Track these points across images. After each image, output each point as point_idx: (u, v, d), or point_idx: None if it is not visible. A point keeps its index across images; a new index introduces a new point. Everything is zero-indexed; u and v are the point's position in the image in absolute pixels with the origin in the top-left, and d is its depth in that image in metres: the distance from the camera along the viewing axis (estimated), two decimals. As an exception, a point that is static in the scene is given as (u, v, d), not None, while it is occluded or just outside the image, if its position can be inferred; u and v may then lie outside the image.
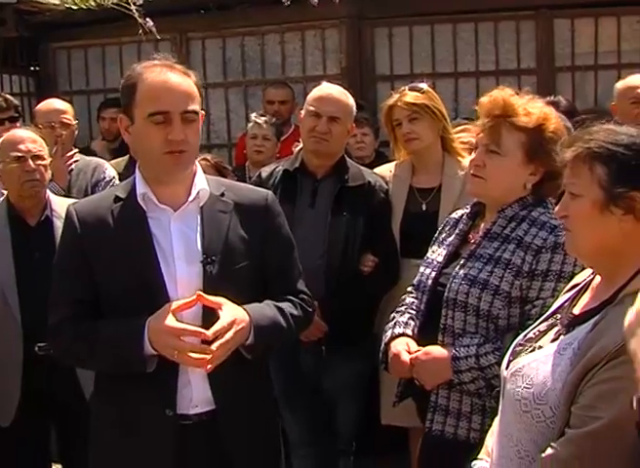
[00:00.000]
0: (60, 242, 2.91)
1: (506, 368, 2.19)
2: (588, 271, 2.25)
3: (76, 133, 5.31)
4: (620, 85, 5.07)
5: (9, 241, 3.86)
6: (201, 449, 2.70)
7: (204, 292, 2.63)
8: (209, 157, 5.39)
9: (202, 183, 2.76)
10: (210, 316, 2.63)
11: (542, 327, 2.23)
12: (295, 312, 2.82)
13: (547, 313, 2.28)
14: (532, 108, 2.94)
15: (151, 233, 2.68)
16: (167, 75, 2.63)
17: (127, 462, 2.71)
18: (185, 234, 2.71)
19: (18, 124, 5.20)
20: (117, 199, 2.74)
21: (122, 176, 5.44)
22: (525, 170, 2.96)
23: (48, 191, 4.03)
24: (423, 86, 4.28)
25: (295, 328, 2.83)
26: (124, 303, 2.64)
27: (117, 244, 2.67)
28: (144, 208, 2.69)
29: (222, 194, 2.79)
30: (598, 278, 2.16)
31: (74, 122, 5.19)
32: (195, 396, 2.68)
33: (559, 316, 2.20)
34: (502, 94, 2.96)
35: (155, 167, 2.68)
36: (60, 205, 3.98)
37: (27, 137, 3.95)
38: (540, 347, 2.14)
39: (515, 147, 2.92)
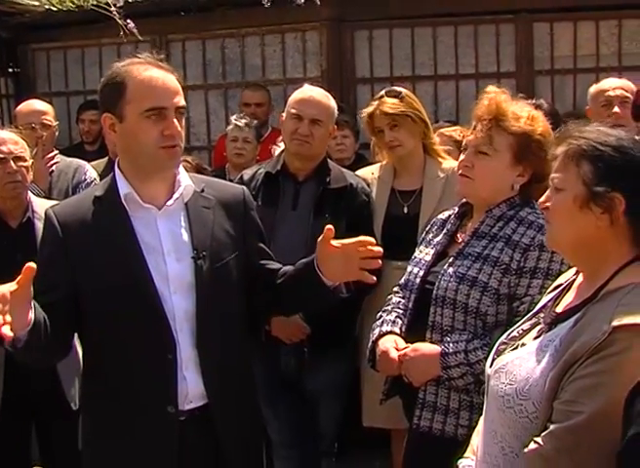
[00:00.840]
0: (41, 245, 2.89)
1: (490, 365, 2.23)
2: (572, 272, 2.29)
3: (57, 134, 5.28)
4: (592, 89, 5.12)
5: (-10, 242, 3.85)
6: (194, 444, 2.71)
7: (195, 287, 2.68)
8: (189, 159, 5.40)
9: (186, 180, 2.78)
10: (203, 309, 2.68)
11: (526, 325, 2.27)
12: None
13: (531, 312, 2.32)
14: (521, 111, 2.99)
15: (136, 232, 2.68)
16: (158, 72, 2.66)
17: (125, 461, 2.70)
18: (173, 231, 2.72)
19: (-4, 126, 5.18)
20: (97, 199, 2.74)
21: (101, 178, 5.43)
22: (513, 171, 3.00)
23: (30, 193, 4.01)
24: (401, 90, 4.29)
25: None
26: (114, 304, 2.63)
27: (102, 245, 2.66)
28: (127, 208, 2.70)
29: (203, 190, 2.82)
30: (581, 278, 2.20)
31: (55, 123, 5.17)
32: (190, 391, 2.68)
33: (542, 315, 2.23)
34: (497, 98, 2.99)
35: (149, 163, 2.68)
36: (41, 206, 3.96)
37: (9, 139, 3.93)
38: (524, 345, 2.17)
39: (504, 149, 2.97)
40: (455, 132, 4.84)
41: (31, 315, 2.41)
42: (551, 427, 1.94)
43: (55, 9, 7.51)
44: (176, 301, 2.68)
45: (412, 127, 4.21)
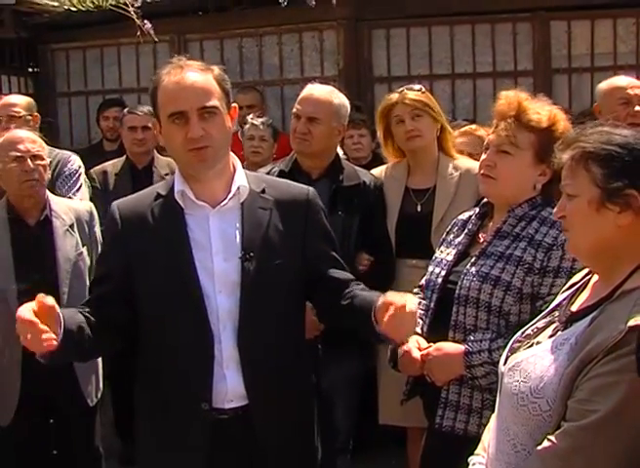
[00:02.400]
0: (103, 239, 3.02)
1: (504, 363, 2.23)
2: (586, 270, 2.28)
3: (35, 125, 5.15)
4: (604, 85, 4.95)
5: (8, 241, 3.89)
6: (236, 443, 2.72)
7: (241, 287, 2.68)
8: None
9: (242, 180, 2.79)
10: (247, 309, 2.68)
11: (540, 324, 2.26)
12: None
13: (545, 311, 2.31)
14: (542, 110, 2.98)
15: (188, 229, 2.72)
16: (182, 75, 2.68)
17: (162, 453, 2.76)
18: (224, 230, 2.74)
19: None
20: (158, 196, 2.80)
21: (119, 177, 5.46)
22: (535, 170, 3.00)
23: (47, 191, 4.05)
24: (421, 87, 4.30)
25: None
26: (161, 299, 2.69)
27: (155, 240, 2.72)
28: (182, 205, 2.74)
29: (263, 190, 2.81)
30: (596, 277, 2.19)
31: (25, 113, 5.03)
32: (230, 390, 2.69)
33: (557, 313, 2.23)
34: (517, 97, 2.99)
35: (184, 165, 2.75)
36: (59, 204, 4.00)
37: (27, 138, 3.97)
38: (539, 343, 2.16)
39: (526, 147, 2.96)
40: (477, 131, 4.82)
41: (59, 330, 2.50)
42: (565, 426, 1.93)
43: (74, 9, 7.57)
44: (220, 300, 2.70)
45: (431, 120, 4.21)
